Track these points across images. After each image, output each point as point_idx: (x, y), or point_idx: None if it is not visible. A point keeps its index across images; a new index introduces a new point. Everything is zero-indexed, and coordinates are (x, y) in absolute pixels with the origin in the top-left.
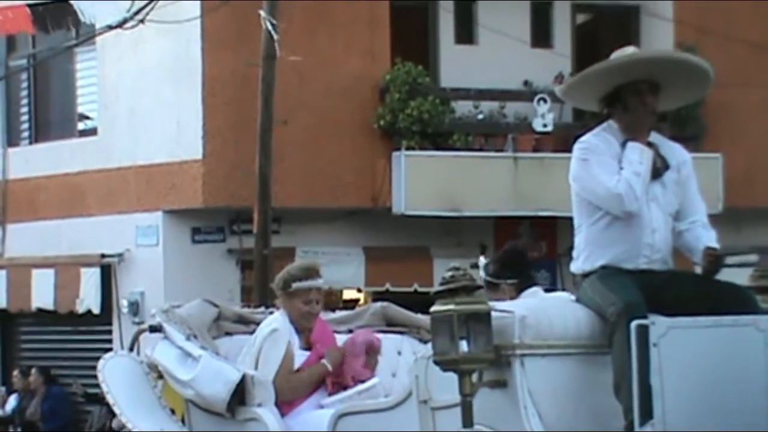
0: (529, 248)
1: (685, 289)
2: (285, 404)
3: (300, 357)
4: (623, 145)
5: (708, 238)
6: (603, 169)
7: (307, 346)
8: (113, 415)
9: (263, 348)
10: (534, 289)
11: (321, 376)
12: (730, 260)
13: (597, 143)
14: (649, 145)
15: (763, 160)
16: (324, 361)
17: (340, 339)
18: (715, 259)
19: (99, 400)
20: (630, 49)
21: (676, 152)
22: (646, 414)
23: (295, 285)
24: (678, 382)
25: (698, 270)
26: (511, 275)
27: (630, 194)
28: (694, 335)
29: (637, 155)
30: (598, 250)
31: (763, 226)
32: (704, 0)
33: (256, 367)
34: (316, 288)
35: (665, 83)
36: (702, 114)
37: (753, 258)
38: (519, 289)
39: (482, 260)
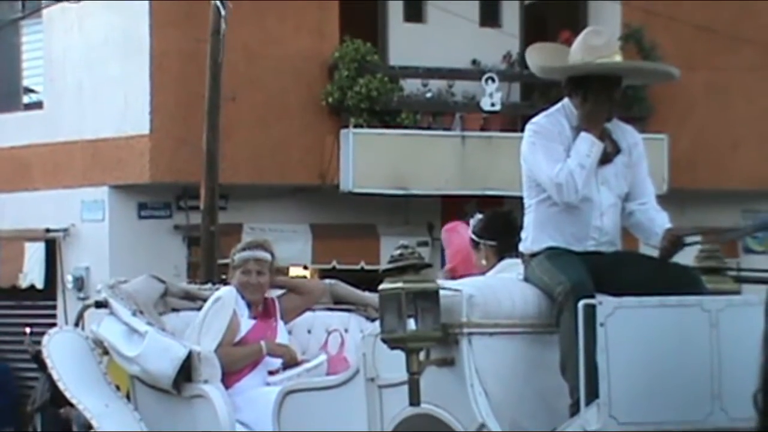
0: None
1: (632, 269)
2: (230, 378)
3: (247, 325)
4: (576, 129)
5: (662, 219)
6: (547, 156)
7: (256, 317)
8: (52, 393)
9: (207, 316)
10: (511, 261)
11: (256, 357)
12: (688, 240)
13: (548, 127)
14: (603, 132)
15: (707, 142)
16: (262, 342)
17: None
18: (676, 240)
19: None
20: (604, 36)
21: (627, 135)
22: (592, 393)
23: (236, 256)
24: (624, 361)
25: (649, 251)
26: (491, 237)
27: (570, 185)
28: (640, 315)
29: (587, 147)
30: (547, 231)
31: (707, 208)
32: None
33: (199, 337)
34: (254, 259)
35: (629, 75)
36: (648, 95)
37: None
38: (498, 254)
39: (477, 216)
